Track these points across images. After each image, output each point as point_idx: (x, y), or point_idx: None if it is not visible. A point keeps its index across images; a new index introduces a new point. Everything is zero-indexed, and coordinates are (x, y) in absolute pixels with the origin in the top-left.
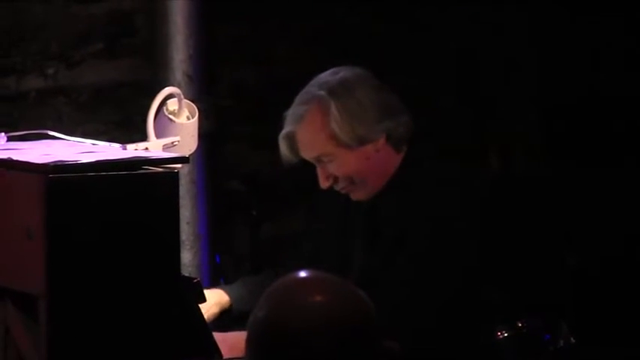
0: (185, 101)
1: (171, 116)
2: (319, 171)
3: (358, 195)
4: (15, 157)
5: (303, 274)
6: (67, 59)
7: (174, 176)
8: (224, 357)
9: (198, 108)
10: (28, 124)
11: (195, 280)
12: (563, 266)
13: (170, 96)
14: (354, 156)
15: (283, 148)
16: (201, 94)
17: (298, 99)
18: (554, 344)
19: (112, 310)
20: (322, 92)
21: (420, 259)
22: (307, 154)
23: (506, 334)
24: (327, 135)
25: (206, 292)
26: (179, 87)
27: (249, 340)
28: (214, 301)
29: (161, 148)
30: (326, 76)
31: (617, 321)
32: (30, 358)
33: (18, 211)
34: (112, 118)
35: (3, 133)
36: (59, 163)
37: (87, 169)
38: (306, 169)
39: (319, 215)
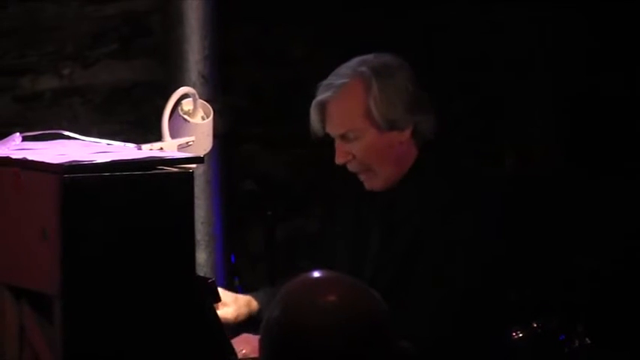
0: (200, 101)
1: (186, 116)
2: (338, 147)
3: (371, 184)
4: (30, 157)
5: (317, 274)
6: (82, 59)
7: (189, 176)
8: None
9: (213, 108)
10: (43, 124)
11: (210, 280)
12: (578, 267)
13: (185, 96)
14: (380, 140)
15: (314, 116)
16: (216, 94)
17: (337, 72)
18: (569, 345)
19: (126, 309)
20: (365, 69)
21: (438, 260)
22: (335, 128)
23: (521, 335)
24: (363, 111)
25: (237, 295)
26: (194, 87)
27: (263, 340)
28: (244, 302)
29: (176, 148)
30: (368, 57)
31: (633, 322)
32: (45, 358)
33: (33, 211)
34: (126, 118)
35: (18, 133)
36: (74, 164)
37: (102, 170)
38: (320, 170)
39: (335, 213)
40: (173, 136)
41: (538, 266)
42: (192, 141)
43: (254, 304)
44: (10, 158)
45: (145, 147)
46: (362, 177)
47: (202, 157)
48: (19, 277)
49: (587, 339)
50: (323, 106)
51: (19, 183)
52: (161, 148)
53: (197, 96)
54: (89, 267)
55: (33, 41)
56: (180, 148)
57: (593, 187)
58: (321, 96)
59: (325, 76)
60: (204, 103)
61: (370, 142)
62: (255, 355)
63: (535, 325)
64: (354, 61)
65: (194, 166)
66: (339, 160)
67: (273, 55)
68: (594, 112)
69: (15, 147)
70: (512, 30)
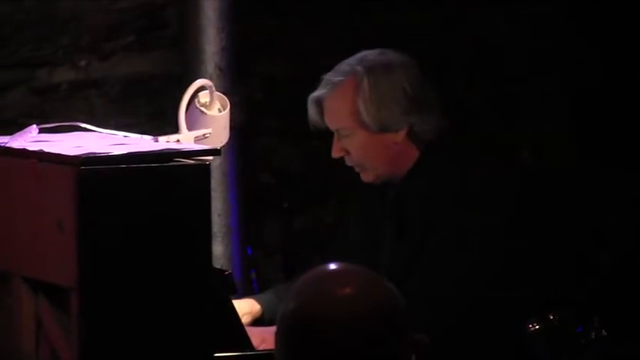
0: (217, 93)
1: (202, 108)
2: (334, 141)
3: (367, 177)
4: (46, 149)
5: (332, 266)
6: (98, 52)
7: (205, 168)
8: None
9: (229, 100)
10: (60, 116)
11: (226, 273)
12: (594, 260)
13: (202, 88)
14: (371, 140)
15: (311, 110)
16: (233, 86)
17: (337, 67)
18: (585, 337)
19: (143, 302)
20: (360, 67)
21: (448, 251)
22: (329, 124)
23: (537, 327)
24: (352, 111)
25: (237, 302)
26: (211, 79)
27: (278, 333)
28: (246, 310)
29: (192, 140)
30: (370, 53)
31: None
32: (61, 350)
33: (49, 203)
34: (143, 111)
35: (35, 125)
36: (91, 156)
37: (118, 162)
38: (336, 162)
39: (348, 204)
40: (190, 128)
41: (554, 259)
42: (209, 133)
43: (256, 309)
44: (27, 150)
45: (162, 139)
46: (357, 170)
47: (219, 150)
48: (36, 270)
49: (603, 331)
50: (320, 102)
51: (36, 175)
52: (178, 141)
53: (214, 88)
54: (106, 259)
55: (49, 33)
56: (197, 140)
57: (609, 180)
58: (317, 92)
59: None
60: (221, 95)
61: (361, 141)
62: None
63: (551, 317)
64: (355, 58)
65: (211, 158)
66: (333, 154)
67: (290, 47)
68: (610, 105)
69: (32, 139)
70: (529, 23)
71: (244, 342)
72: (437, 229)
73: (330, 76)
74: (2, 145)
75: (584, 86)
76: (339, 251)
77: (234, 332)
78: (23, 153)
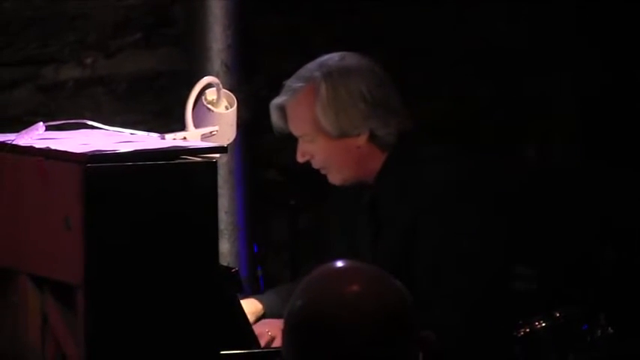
0: (223, 91)
1: (209, 106)
2: (299, 145)
3: (333, 179)
4: (53, 147)
5: (340, 263)
6: (105, 49)
7: (212, 166)
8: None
9: (236, 98)
10: (66, 113)
11: (233, 270)
12: (600, 257)
13: (209, 85)
14: (332, 145)
15: (274, 116)
16: (240, 84)
17: (297, 73)
18: (591, 334)
19: (149, 299)
20: (318, 73)
21: (434, 252)
22: (292, 130)
23: (543, 324)
24: (311, 117)
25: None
26: (217, 77)
27: (286, 330)
28: (248, 310)
29: (199, 137)
30: (330, 58)
31: None
32: (67, 347)
33: (56, 200)
34: (150, 108)
35: (41, 123)
36: (97, 153)
37: (125, 159)
38: None
39: (331, 209)
40: (196, 125)
41: (560, 256)
42: (216, 130)
43: (259, 308)
44: (34, 148)
45: (169, 136)
46: (323, 172)
47: (226, 147)
48: (42, 267)
49: (609, 328)
50: (282, 108)
51: (43, 172)
52: (184, 138)
53: (220, 85)
54: (112, 256)
55: (56, 31)
56: (204, 137)
57: (614, 179)
58: (278, 99)
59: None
60: (228, 92)
61: (323, 147)
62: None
63: (557, 315)
64: (315, 63)
65: (217, 155)
66: (298, 158)
67: (296, 44)
68: (615, 105)
69: (38, 136)
70: (534, 22)
71: (251, 340)
72: (418, 236)
73: (291, 83)
74: (9, 142)
75: (591, 85)
76: (323, 255)
77: (240, 330)
78: (30, 151)
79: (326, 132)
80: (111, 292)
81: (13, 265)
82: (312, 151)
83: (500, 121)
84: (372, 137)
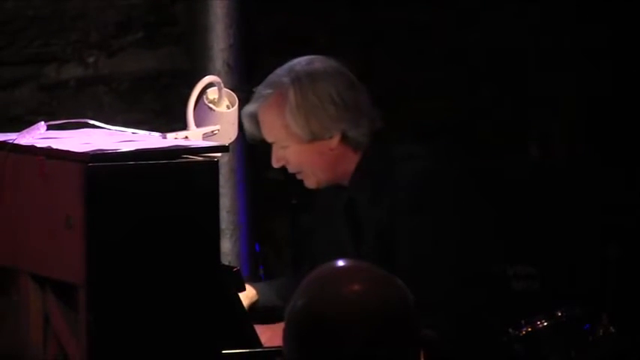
0: (225, 90)
1: (211, 105)
2: (273, 150)
3: (309, 183)
4: (55, 146)
5: (341, 263)
6: (107, 48)
7: (214, 165)
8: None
9: (238, 97)
10: (68, 112)
11: (234, 269)
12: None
13: (210, 85)
14: (305, 149)
15: (247, 124)
16: (241, 83)
17: (267, 80)
18: (593, 334)
19: (150, 298)
20: (287, 79)
21: (411, 252)
22: (265, 136)
23: (545, 324)
24: (281, 123)
25: None
26: (219, 76)
27: (287, 330)
28: (243, 295)
29: (201, 137)
30: (298, 62)
31: None
32: (69, 346)
33: (57, 200)
34: (151, 107)
35: (43, 122)
36: (99, 152)
37: (127, 158)
38: None
39: (316, 213)
40: (198, 124)
41: (562, 254)
42: (218, 130)
43: (252, 292)
44: (35, 147)
45: (170, 136)
46: (299, 177)
47: (227, 146)
48: (44, 266)
49: (611, 328)
50: (254, 115)
51: (44, 172)
52: (186, 137)
53: (222, 85)
54: (114, 256)
55: (58, 30)
56: (206, 136)
57: (618, 177)
58: (249, 106)
59: (350, 64)
60: (229, 91)
61: (296, 151)
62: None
63: (559, 314)
64: (283, 68)
65: (219, 154)
66: (273, 164)
67: (298, 43)
68: (619, 104)
69: (40, 136)
70: (538, 21)
71: (252, 339)
72: (399, 237)
73: (260, 89)
74: (10, 142)
75: (594, 84)
76: (309, 258)
77: (242, 329)
78: (31, 150)
79: (297, 137)
80: (112, 291)
81: (14, 264)
82: (286, 156)
83: (503, 120)
84: (345, 139)
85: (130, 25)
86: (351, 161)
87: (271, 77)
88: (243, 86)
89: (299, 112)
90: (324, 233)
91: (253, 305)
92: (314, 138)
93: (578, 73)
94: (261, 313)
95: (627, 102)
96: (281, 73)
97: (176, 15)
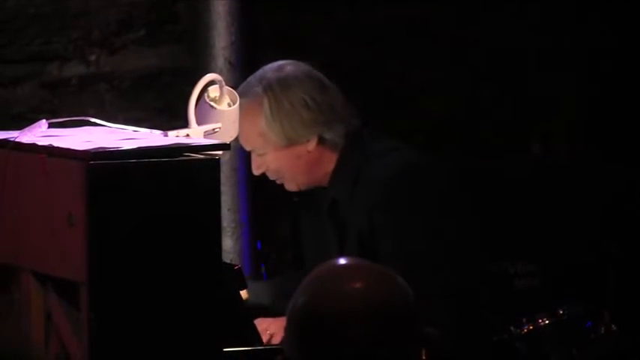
0: (226, 88)
1: (212, 103)
2: (252, 160)
3: (290, 187)
4: (56, 144)
5: (342, 261)
6: (108, 46)
7: (215, 163)
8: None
9: (239, 95)
10: (70, 110)
11: (236, 267)
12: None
13: (211, 83)
14: (283, 154)
15: None
16: (243, 80)
17: (239, 89)
18: (595, 331)
19: (152, 296)
20: (259, 88)
21: (390, 249)
22: (243, 145)
23: (547, 322)
24: (257, 131)
25: None
26: (220, 74)
27: (288, 327)
28: None
29: (202, 135)
30: (269, 69)
31: None
32: (71, 345)
33: (59, 198)
34: (153, 105)
35: (44, 120)
36: (100, 150)
37: (128, 156)
38: None
39: (307, 213)
40: (199, 122)
41: (564, 254)
42: (219, 128)
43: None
44: (37, 145)
45: (172, 134)
46: (279, 182)
47: (229, 144)
48: (46, 264)
49: (613, 326)
50: None
51: (46, 170)
52: (187, 135)
53: (223, 82)
54: (115, 254)
55: (59, 27)
56: (207, 134)
57: (619, 176)
58: None
59: (351, 64)
60: (231, 89)
61: (275, 157)
62: (280, 335)
63: (561, 312)
64: (255, 77)
65: (220, 152)
66: (254, 172)
67: (299, 41)
68: (620, 103)
69: (41, 134)
70: (539, 20)
71: (254, 337)
72: (377, 234)
73: None
74: (12, 140)
75: (594, 84)
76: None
77: (243, 327)
78: (33, 148)
79: (274, 143)
80: (114, 289)
81: (16, 262)
82: (265, 163)
83: (503, 120)
84: (321, 141)
85: (132, 22)
86: (329, 162)
87: (243, 87)
88: None
89: (274, 119)
90: (313, 234)
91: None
92: (290, 143)
93: (578, 72)
94: (251, 312)
95: (627, 101)
96: (253, 82)
97: (178, 13)
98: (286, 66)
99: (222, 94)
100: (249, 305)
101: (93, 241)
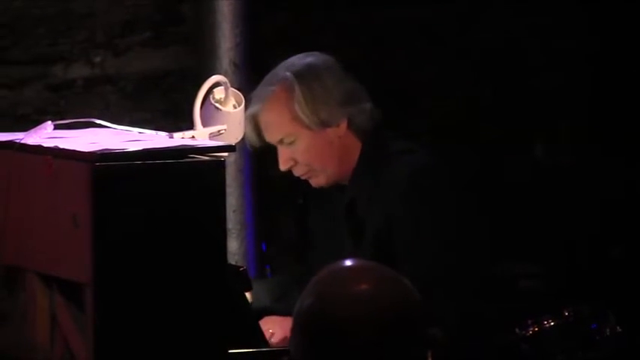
0: (231, 89)
1: (217, 104)
2: (279, 153)
3: (318, 181)
4: (62, 146)
5: (348, 262)
6: (113, 47)
7: (220, 164)
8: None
9: (244, 96)
10: (75, 112)
11: (241, 269)
12: (609, 254)
13: (217, 84)
14: (316, 139)
15: (248, 129)
16: (248, 82)
17: (264, 80)
18: (600, 333)
19: (157, 298)
20: (288, 74)
21: (408, 252)
22: (270, 136)
23: (552, 323)
24: (290, 116)
25: None
26: (226, 75)
27: (294, 329)
28: None
29: (207, 136)
30: (294, 59)
31: None
32: (76, 345)
33: (64, 199)
34: (158, 107)
35: (50, 122)
36: (106, 152)
37: (133, 158)
38: None
39: (319, 213)
40: (205, 124)
41: (569, 254)
42: (224, 129)
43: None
44: (42, 146)
45: (177, 135)
46: (307, 177)
47: (234, 146)
48: (51, 266)
49: (618, 327)
50: (255, 118)
51: (51, 171)
52: (193, 137)
53: (229, 84)
54: (120, 255)
55: (64, 29)
56: (212, 136)
57: (624, 176)
58: (250, 109)
59: (356, 64)
60: (236, 91)
61: (307, 143)
62: (284, 335)
63: (566, 314)
64: (281, 66)
65: (226, 154)
66: (281, 166)
67: (304, 42)
68: (625, 101)
69: (47, 135)
70: (544, 18)
71: (259, 338)
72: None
73: (259, 91)
74: (18, 141)
75: (600, 82)
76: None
77: (248, 328)
78: (38, 149)
79: (307, 126)
80: (119, 290)
81: (21, 263)
82: (294, 153)
83: (507, 120)
84: (350, 125)
85: (137, 24)
86: (355, 152)
87: (269, 78)
88: (250, 86)
89: (307, 102)
90: (326, 234)
91: None
92: (323, 126)
93: (581, 72)
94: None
95: (632, 101)
96: (280, 70)
97: (183, 14)
98: (309, 56)
99: (227, 95)
100: (253, 307)
101: (98, 243)
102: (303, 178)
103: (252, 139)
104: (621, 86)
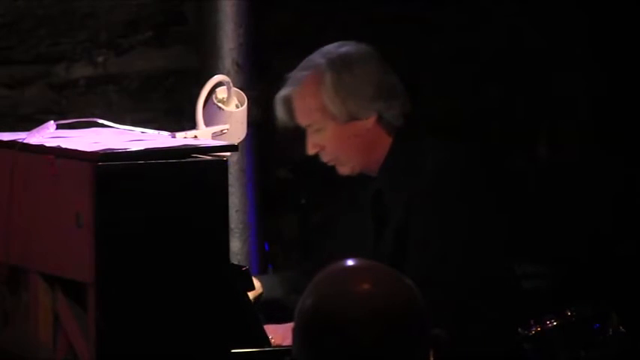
0: (234, 89)
1: (220, 104)
2: (307, 137)
3: (343, 170)
4: (64, 145)
5: (350, 262)
6: (116, 47)
7: (223, 164)
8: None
9: (247, 96)
10: (78, 112)
11: (244, 269)
12: (613, 254)
13: (219, 84)
14: (342, 130)
15: (279, 109)
16: (251, 82)
17: (301, 65)
18: (603, 333)
19: (159, 297)
20: (322, 61)
21: (424, 250)
22: (299, 120)
23: (554, 323)
24: (318, 104)
25: None
26: (228, 75)
27: (296, 329)
28: None
29: (210, 136)
30: (332, 47)
31: None
32: (79, 345)
33: (67, 199)
34: (161, 106)
35: (52, 121)
36: (108, 151)
37: (136, 157)
38: None
39: (339, 203)
40: (207, 124)
41: (572, 254)
42: (227, 129)
43: (258, 284)
44: (45, 146)
45: (179, 135)
46: (333, 164)
47: (236, 145)
48: (54, 265)
49: (621, 328)
50: (287, 100)
51: (54, 171)
52: (195, 136)
53: (231, 84)
54: (123, 255)
55: (67, 29)
56: (215, 136)
57: (628, 176)
58: (283, 91)
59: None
60: (239, 91)
61: (333, 133)
62: (284, 342)
63: (569, 314)
64: (317, 52)
65: (228, 154)
66: (309, 151)
67: (307, 42)
68: (627, 101)
69: (49, 135)
70: (547, 20)
71: (261, 338)
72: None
73: (294, 73)
74: (20, 141)
75: (604, 84)
76: (329, 250)
77: (251, 328)
78: (41, 149)
79: (334, 118)
80: (122, 290)
81: (24, 263)
82: (322, 140)
83: (512, 120)
84: (379, 120)
85: (139, 24)
86: (384, 146)
87: (305, 62)
88: (253, 85)
89: (336, 93)
90: (346, 226)
91: (257, 298)
92: (351, 119)
93: (588, 72)
94: (265, 306)
95: (635, 101)
96: (315, 57)
97: (185, 14)
98: (349, 44)
99: (229, 95)
100: (263, 299)
101: (101, 242)
102: (329, 164)
103: (283, 119)
104: (627, 86)
